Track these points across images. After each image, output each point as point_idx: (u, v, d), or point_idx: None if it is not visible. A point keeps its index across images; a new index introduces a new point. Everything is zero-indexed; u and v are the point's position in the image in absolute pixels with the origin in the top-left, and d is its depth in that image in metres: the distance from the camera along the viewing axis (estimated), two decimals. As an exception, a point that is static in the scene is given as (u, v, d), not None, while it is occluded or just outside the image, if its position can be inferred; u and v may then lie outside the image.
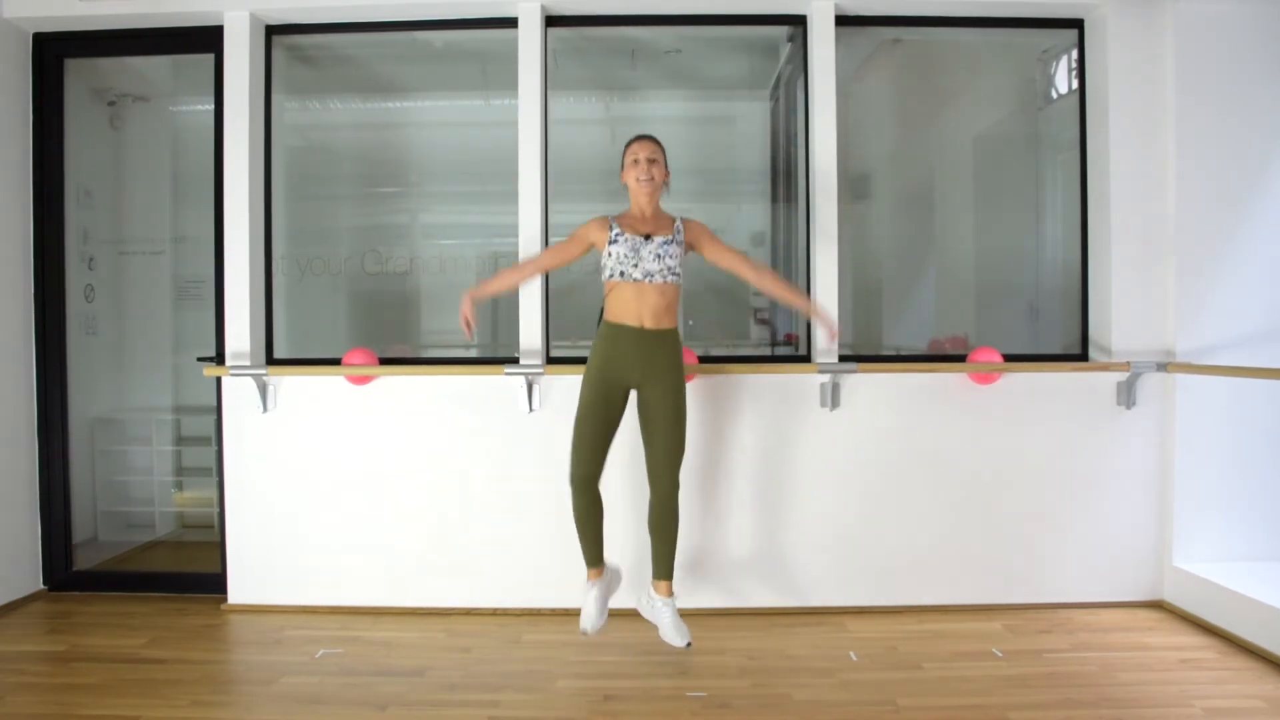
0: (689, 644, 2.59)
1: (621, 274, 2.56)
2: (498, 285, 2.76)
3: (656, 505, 2.64)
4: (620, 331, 2.58)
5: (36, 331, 3.33)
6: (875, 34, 3.48)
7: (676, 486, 2.63)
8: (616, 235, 2.58)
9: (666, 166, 2.70)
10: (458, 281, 3.72)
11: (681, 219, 2.67)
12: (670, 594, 2.65)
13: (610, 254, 2.58)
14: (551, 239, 3.24)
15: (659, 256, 2.55)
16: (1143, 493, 3.15)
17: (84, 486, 3.64)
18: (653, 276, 2.55)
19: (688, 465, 3.02)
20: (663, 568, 2.66)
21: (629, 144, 2.69)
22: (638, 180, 2.62)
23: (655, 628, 2.67)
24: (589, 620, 2.61)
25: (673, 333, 2.62)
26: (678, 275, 2.59)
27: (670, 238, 2.59)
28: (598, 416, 2.58)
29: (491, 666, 2.65)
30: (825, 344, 2.93)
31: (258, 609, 3.16)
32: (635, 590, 2.89)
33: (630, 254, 2.55)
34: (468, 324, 2.64)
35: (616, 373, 2.59)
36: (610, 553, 2.78)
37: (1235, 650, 2.73)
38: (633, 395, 2.66)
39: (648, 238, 2.56)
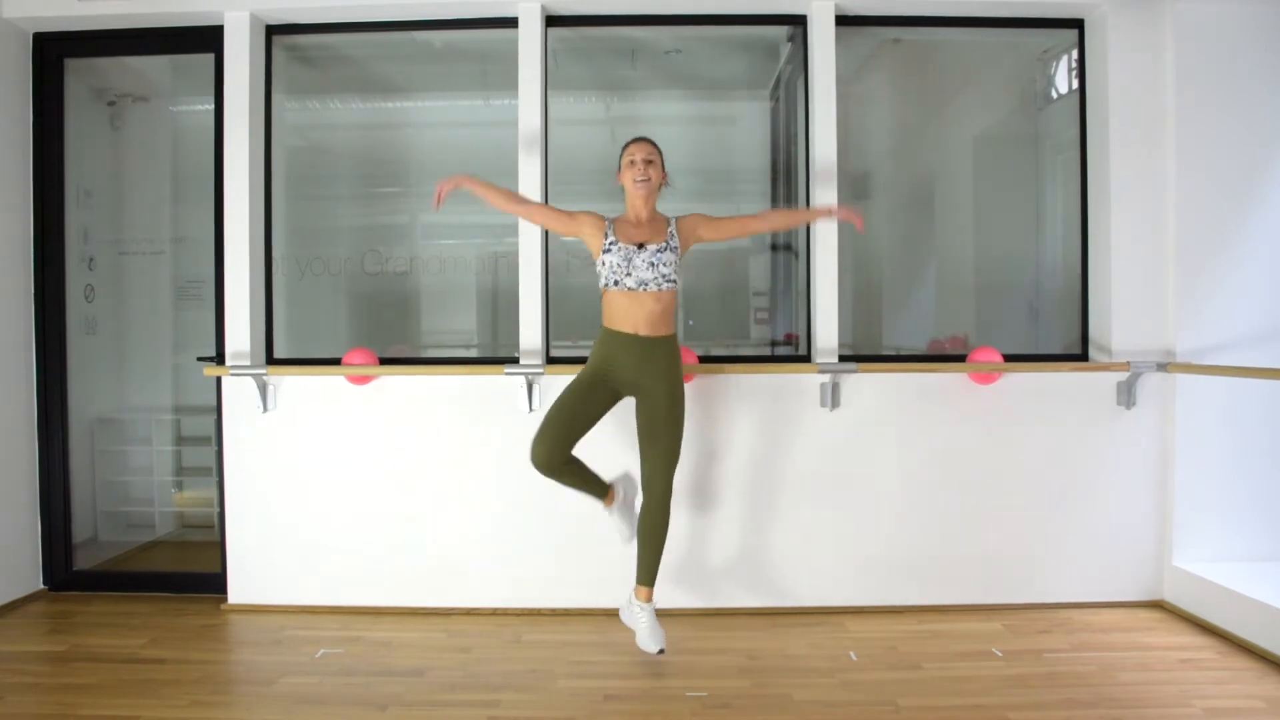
0: (661, 650, 2.60)
1: (615, 283, 2.56)
2: (488, 192, 2.73)
3: (647, 509, 2.65)
4: (617, 338, 2.59)
5: (36, 331, 3.33)
6: (875, 34, 3.48)
7: (669, 492, 2.64)
8: (610, 244, 2.57)
9: (664, 168, 2.69)
10: (458, 281, 3.73)
11: (676, 218, 2.67)
12: (650, 599, 2.66)
13: (604, 262, 2.58)
14: (551, 239, 3.24)
15: (652, 265, 2.55)
16: (1143, 493, 3.15)
17: (84, 486, 3.64)
18: (646, 285, 2.55)
19: (687, 464, 3.02)
20: (646, 573, 2.67)
21: (626, 145, 2.68)
22: (634, 181, 2.61)
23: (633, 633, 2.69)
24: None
25: (669, 339, 2.63)
26: (673, 282, 2.59)
27: (664, 244, 2.58)
28: (575, 404, 2.58)
29: (491, 666, 2.65)
30: (859, 229, 2.83)
31: (258, 609, 3.16)
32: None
33: (623, 263, 2.55)
34: (439, 197, 2.66)
35: (612, 374, 2.60)
36: (607, 470, 2.80)
37: (1235, 650, 2.73)
38: (630, 402, 2.67)
39: (641, 247, 2.56)
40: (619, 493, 2.77)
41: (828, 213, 2.91)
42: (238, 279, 3.17)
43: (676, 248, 2.61)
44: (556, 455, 2.57)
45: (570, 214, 2.69)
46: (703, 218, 2.69)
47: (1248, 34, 3.08)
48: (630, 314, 2.57)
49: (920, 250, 3.88)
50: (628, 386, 2.62)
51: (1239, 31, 3.08)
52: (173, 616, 3.11)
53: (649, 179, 2.61)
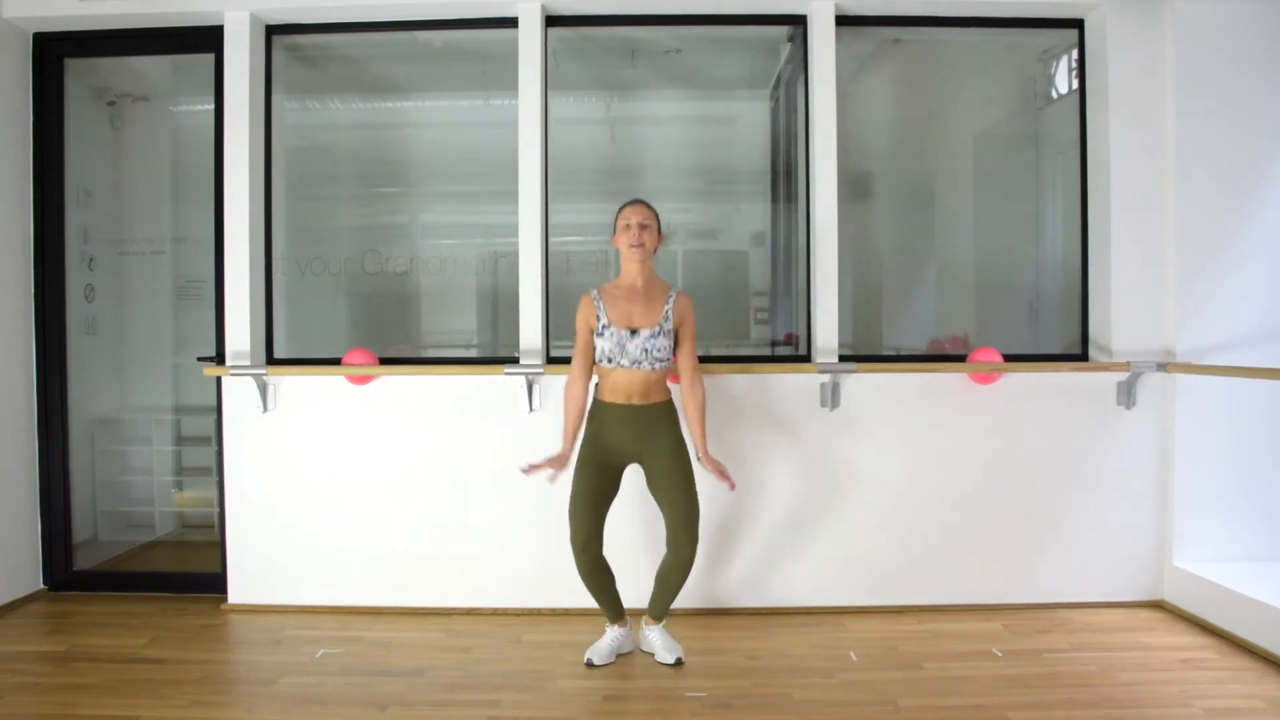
0: (679, 660, 2.64)
1: (609, 359, 2.57)
2: (572, 427, 2.64)
3: (673, 563, 2.64)
4: (611, 409, 2.60)
5: (36, 331, 3.33)
6: (875, 34, 3.48)
7: (695, 545, 2.63)
8: (603, 328, 2.57)
9: (660, 231, 2.66)
10: (458, 281, 3.73)
11: (676, 296, 2.62)
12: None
13: (597, 345, 2.59)
14: (551, 239, 3.24)
15: (645, 350, 2.55)
16: (1143, 493, 3.15)
17: (84, 486, 3.64)
18: (640, 364, 2.56)
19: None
20: (660, 611, 2.72)
21: (621, 208, 2.65)
22: (629, 246, 2.59)
23: (650, 654, 2.72)
24: (598, 653, 2.66)
25: (665, 405, 2.64)
26: (665, 361, 2.58)
27: (657, 329, 2.56)
28: (592, 488, 2.60)
29: (491, 666, 2.65)
30: (730, 488, 2.60)
31: (258, 609, 3.16)
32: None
33: (616, 347, 2.55)
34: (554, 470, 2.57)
35: (610, 450, 2.61)
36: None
37: (1235, 650, 2.73)
38: (638, 470, 2.68)
39: (634, 332, 2.55)
40: (629, 627, 2.74)
41: (702, 456, 2.64)
42: (238, 279, 3.17)
43: (670, 331, 2.59)
44: (591, 533, 2.58)
45: (579, 336, 2.63)
46: (691, 318, 2.64)
47: (1248, 34, 3.08)
48: (623, 385, 2.58)
49: (920, 250, 3.88)
50: (629, 456, 2.63)
51: (1239, 31, 3.08)
52: (173, 616, 3.11)
53: (643, 245, 2.58)
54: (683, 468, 2.61)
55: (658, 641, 2.69)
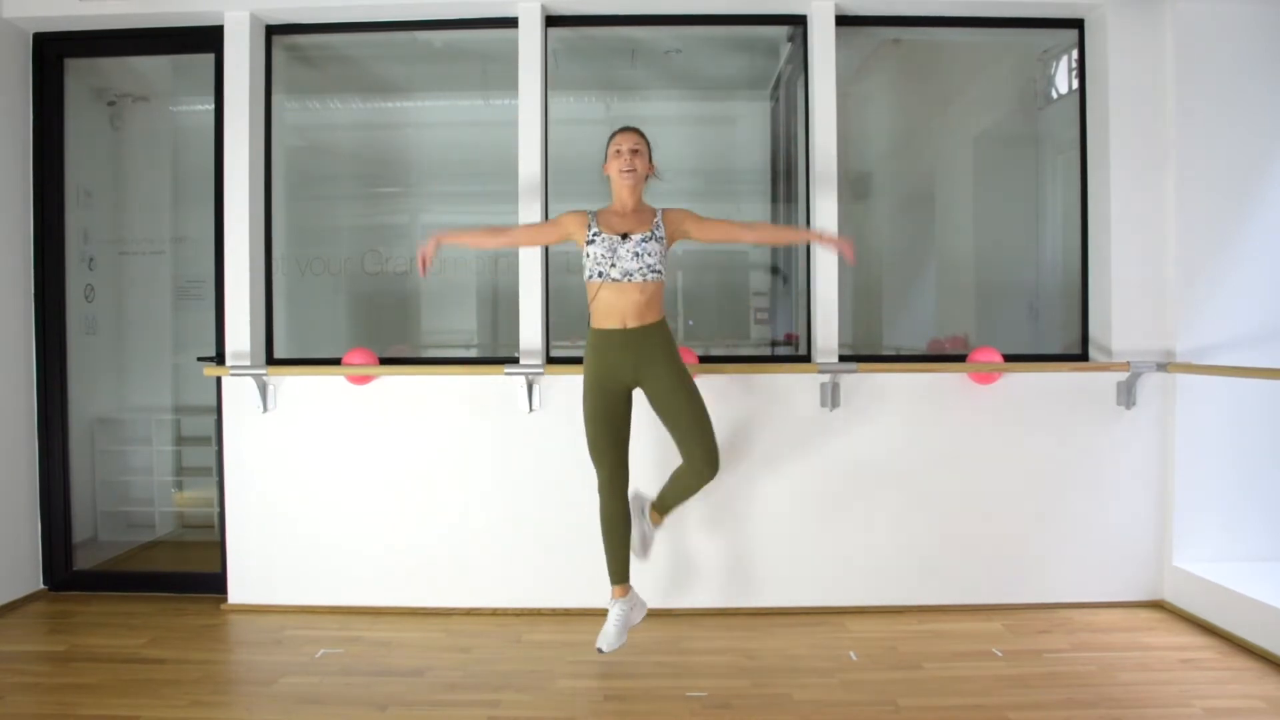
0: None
1: (600, 274, 2.53)
2: (469, 238, 2.81)
3: (689, 474, 2.59)
4: (606, 336, 2.56)
5: (36, 331, 3.33)
6: (875, 34, 3.48)
7: (715, 463, 2.56)
8: (594, 235, 2.55)
9: (651, 159, 2.66)
10: (458, 281, 3.73)
11: (663, 210, 2.64)
12: (660, 522, 2.73)
13: (588, 254, 2.56)
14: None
15: (637, 255, 2.51)
16: (1143, 493, 3.15)
17: (84, 486, 3.64)
18: (631, 276, 2.51)
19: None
20: (667, 505, 2.71)
21: (612, 135, 2.66)
22: (620, 171, 2.58)
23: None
24: (607, 640, 2.53)
25: (658, 325, 2.58)
26: (658, 273, 2.54)
27: (649, 234, 2.54)
28: (605, 422, 2.57)
29: (491, 666, 2.65)
30: (850, 260, 2.68)
31: (258, 609, 3.16)
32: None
33: (607, 254, 2.52)
34: (424, 262, 2.65)
35: (612, 378, 2.57)
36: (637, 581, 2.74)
37: (1235, 650, 2.73)
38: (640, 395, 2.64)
39: (625, 237, 2.53)
40: (631, 597, 2.64)
41: (818, 237, 2.83)
42: (238, 279, 3.17)
43: (662, 238, 2.57)
44: (615, 470, 2.57)
45: (552, 221, 2.69)
46: (690, 213, 2.65)
47: (1248, 34, 3.08)
48: (616, 306, 2.53)
49: (920, 250, 3.88)
50: (631, 382, 2.58)
51: (1239, 31, 3.08)
52: (173, 616, 3.11)
53: (634, 169, 2.57)
54: (683, 379, 2.56)
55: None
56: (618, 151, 2.60)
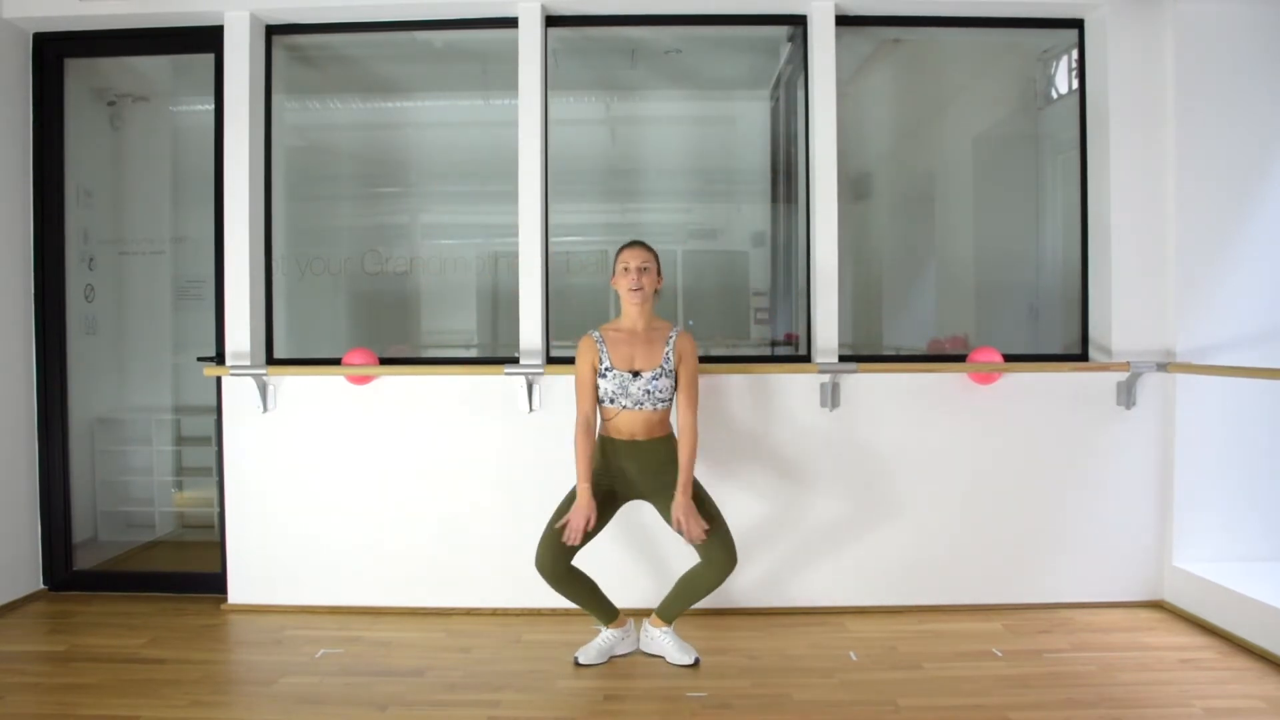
0: (698, 659, 2.64)
1: (611, 400, 2.59)
2: (585, 469, 2.58)
3: (706, 575, 2.59)
4: (615, 444, 2.63)
5: (36, 331, 3.33)
6: (875, 34, 3.48)
7: (734, 561, 2.57)
8: (605, 370, 2.59)
9: (660, 273, 2.68)
10: (458, 281, 3.73)
11: (676, 336, 2.63)
12: (669, 626, 2.70)
13: (600, 385, 2.60)
14: (551, 239, 3.24)
15: (648, 392, 2.58)
16: (1143, 493, 3.15)
17: (84, 486, 3.64)
18: (642, 405, 2.59)
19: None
20: (671, 614, 2.70)
21: (620, 250, 2.67)
22: (628, 290, 2.61)
23: (657, 656, 2.70)
24: (588, 654, 2.65)
25: (666, 438, 2.67)
26: (667, 400, 2.61)
27: (658, 371, 2.58)
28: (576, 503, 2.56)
29: (491, 666, 2.65)
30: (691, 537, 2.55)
31: (258, 609, 3.16)
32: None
33: (619, 389, 2.58)
34: (584, 527, 2.51)
35: (613, 479, 2.61)
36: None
37: (1235, 650, 2.73)
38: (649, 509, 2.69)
39: (636, 375, 2.57)
40: (624, 629, 2.71)
41: (681, 493, 2.56)
42: (238, 279, 3.17)
43: (672, 371, 2.61)
44: (560, 561, 2.56)
45: (579, 377, 2.62)
46: (692, 359, 2.63)
47: (1248, 34, 3.08)
48: (625, 426, 2.61)
49: (920, 250, 3.88)
50: (633, 490, 2.65)
51: (1239, 31, 3.08)
52: (173, 616, 3.11)
53: (642, 288, 2.60)
54: (699, 495, 2.62)
55: (669, 644, 2.67)
56: (625, 270, 2.61)
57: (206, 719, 2.32)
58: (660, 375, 2.59)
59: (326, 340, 3.71)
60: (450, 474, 3.16)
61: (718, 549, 2.57)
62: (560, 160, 3.30)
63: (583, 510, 2.52)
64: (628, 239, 2.71)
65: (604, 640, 2.68)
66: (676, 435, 2.67)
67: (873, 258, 3.81)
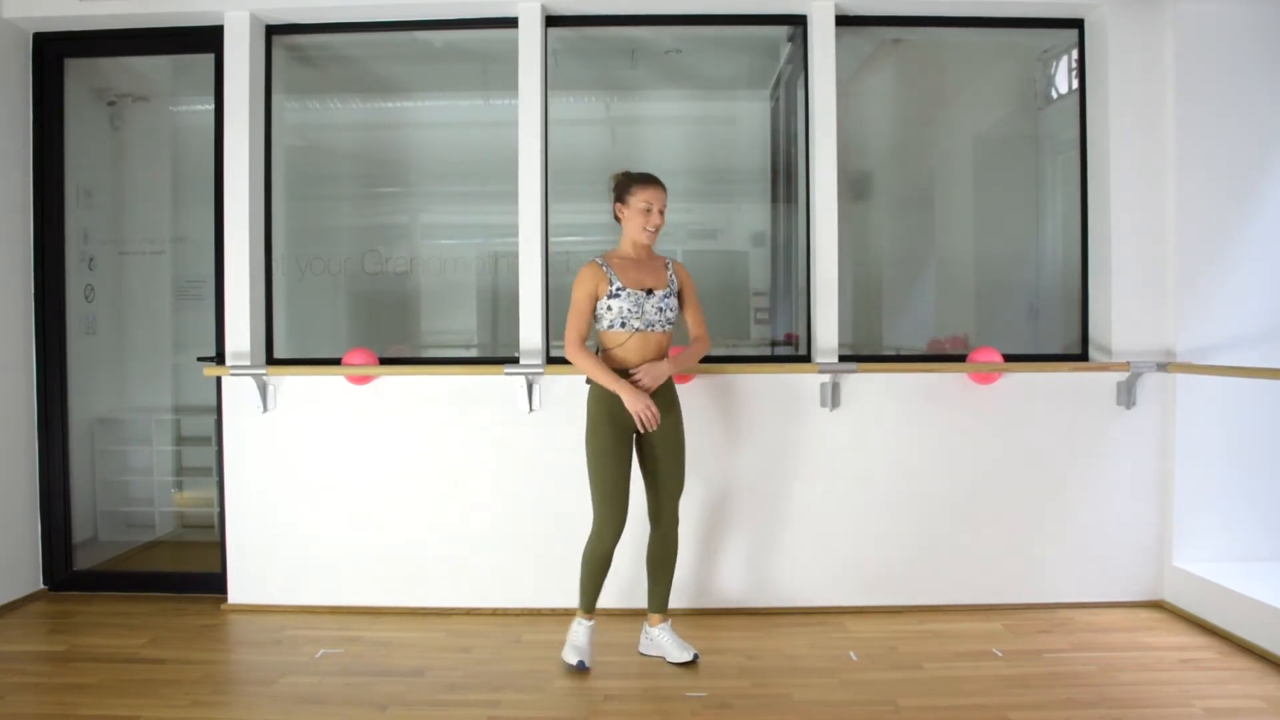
0: (696, 656, 2.64)
1: (623, 324, 2.56)
2: (608, 372, 2.54)
3: (659, 541, 2.67)
4: (621, 375, 2.58)
5: (36, 331, 3.33)
6: (875, 34, 3.48)
7: (678, 522, 2.67)
8: (618, 290, 2.56)
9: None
10: (458, 281, 3.73)
11: (672, 264, 2.69)
12: (665, 622, 2.71)
13: (610, 306, 2.56)
14: (551, 239, 3.24)
15: (660, 310, 2.59)
16: (1143, 493, 3.15)
17: (84, 486, 3.64)
18: (653, 326, 2.58)
19: (688, 464, 3.02)
20: (661, 603, 2.71)
21: (637, 183, 2.59)
22: (644, 229, 2.59)
23: (657, 657, 2.70)
24: (581, 653, 2.61)
25: (668, 380, 2.66)
26: (673, 324, 2.64)
27: (668, 290, 2.61)
28: (620, 459, 2.56)
29: (491, 666, 2.65)
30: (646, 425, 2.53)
31: (258, 609, 3.16)
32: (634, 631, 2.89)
33: (634, 308, 2.55)
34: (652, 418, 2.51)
35: (626, 421, 2.58)
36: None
37: (1235, 650, 2.73)
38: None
39: (649, 293, 2.57)
40: (594, 621, 2.68)
41: (645, 373, 2.56)
42: (238, 279, 3.17)
43: (677, 292, 2.66)
44: (624, 518, 2.56)
45: (580, 295, 2.57)
46: (691, 280, 2.72)
47: (1248, 34, 3.08)
48: (637, 353, 2.58)
49: (920, 250, 3.88)
50: (634, 424, 2.62)
51: (1239, 31, 3.08)
52: (173, 616, 3.11)
53: (658, 229, 2.62)
54: (680, 436, 2.65)
55: (668, 641, 2.67)
56: (647, 210, 2.58)
57: (206, 719, 2.32)
58: (669, 294, 2.61)
59: (326, 340, 3.71)
60: (450, 474, 3.16)
61: (668, 501, 2.61)
62: (560, 160, 3.30)
63: (640, 398, 2.49)
64: (638, 171, 2.64)
65: (586, 634, 2.64)
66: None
67: (873, 258, 3.81)
